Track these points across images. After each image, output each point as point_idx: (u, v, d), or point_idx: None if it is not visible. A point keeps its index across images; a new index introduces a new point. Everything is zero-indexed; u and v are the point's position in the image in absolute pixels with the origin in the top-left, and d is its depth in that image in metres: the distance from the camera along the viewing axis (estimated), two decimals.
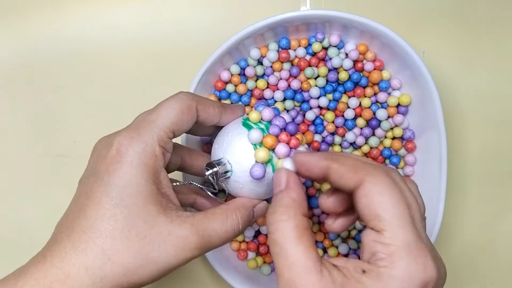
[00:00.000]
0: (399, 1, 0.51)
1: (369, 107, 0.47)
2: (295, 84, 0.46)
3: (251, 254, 0.48)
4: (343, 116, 0.47)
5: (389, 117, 0.46)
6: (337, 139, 0.47)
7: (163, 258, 0.29)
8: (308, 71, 0.46)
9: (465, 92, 0.51)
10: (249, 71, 0.46)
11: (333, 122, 0.47)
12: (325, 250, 0.48)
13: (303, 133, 0.47)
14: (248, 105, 0.47)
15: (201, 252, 0.31)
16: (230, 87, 0.47)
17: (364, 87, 0.47)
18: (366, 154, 0.48)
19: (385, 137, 0.47)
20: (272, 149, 0.33)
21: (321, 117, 0.48)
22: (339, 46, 0.46)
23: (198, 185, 0.36)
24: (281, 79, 0.47)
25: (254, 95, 0.47)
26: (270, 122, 0.34)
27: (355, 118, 0.47)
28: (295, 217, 0.27)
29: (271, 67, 0.47)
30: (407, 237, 0.25)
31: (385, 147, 0.47)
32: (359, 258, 0.27)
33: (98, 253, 0.28)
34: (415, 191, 0.30)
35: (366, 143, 0.47)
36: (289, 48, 0.47)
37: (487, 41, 0.51)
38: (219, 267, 0.44)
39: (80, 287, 0.27)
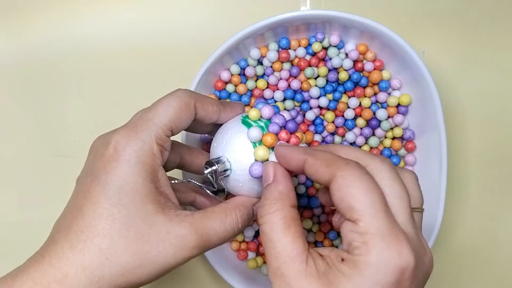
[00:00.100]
0: (399, 1, 0.51)
1: (369, 107, 0.47)
2: (295, 84, 0.46)
3: (251, 254, 0.48)
4: (343, 116, 0.47)
5: (389, 117, 0.46)
6: (337, 139, 0.47)
7: (161, 258, 0.29)
8: (308, 71, 0.46)
9: (465, 92, 0.51)
10: (249, 71, 0.46)
11: (333, 122, 0.47)
12: None
13: (303, 133, 0.47)
14: (248, 105, 0.47)
15: (200, 251, 0.31)
16: (230, 87, 0.47)
17: (364, 87, 0.47)
18: None
19: (385, 137, 0.47)
20: (272, 148, 0.32)
21: (321, 117, 0.48)
22: (339, 46, 0.46)
23: (197, 183, 0.36)
24: (281, 79, 0.47)
25: (254, 95, 0.47)
26: (269, 120, 0.34)
27: (355, 118, 0.47)
28: (282, 209, 0.28)
29: (271, 67, 0.47)
30: (380, 224, 0.25)
31: (385, 147, 0.47)
32: None
33: (95, 252, 0.28)
34: (410, 182, 0.31)
35: (366, 143, 0.47)
36: (289, 48, 0.46)
37: (487, 41, 0.51)
38: (219, 267, 0.44)
39: (78, 287, 0.27)
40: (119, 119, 0.35)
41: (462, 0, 0.51)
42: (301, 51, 0.46)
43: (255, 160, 0.32)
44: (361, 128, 0.47)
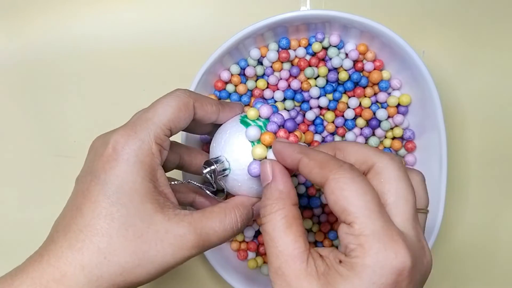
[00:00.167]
0: (399, 1, 0.51)
1: (369, 107, 0.46)
2: (295, 84, 0.46)
3: (251, 254, 0.48)
4: (343, 116, 0.47)
5: (389, 117, 0.46)
6: (337, 139, 0.47)
7: (160, 257, 0.29)
8: (308, 71, 0.46)
9: (465, 92, 0.51)
10: (249, 71, 0.46)
11: (333, 122, 0.47)
12: None
13: (303, 133, 0.47)
14: (248, 105, 0.47)
15: (199, 251, 0.30)
16: (230, 87, 0.47)
17: (364, 87, 0.47)
18: None
19: (385, 137, 0.47)
20: (270, 146, 0.32)
21: (321, 117, 0.48)
22: (339, 46, 0.46)
23: (197, 184, 0.36)
24: (281, 79, 0.47)
25: (254, 95, 0.47)
26: (268, 119, 0.34)
27: (355, 118, 0.47)
28: (284, 208, 0.28)
29: (271, 67, 0.47)
30: (374, 225, 0.25)
31: (385, 147, 0.47)
32: None
33: (94, 252, 0.28)
34: (417, 183, 0.30)
35: (366, 143, 0.47)
36: (289, 48, 0.46)
37: (487, 41, 0.51)
38: (219, 267, 0.44)
39: (76, 286, 0.27)
40: (119, 119, 0.35)
41: (462, 0, 0.51)
42: (301, 51, 0.46)
43: (254, 159, 0.32)
44: (361, 128, 0.47)
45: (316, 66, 0.47)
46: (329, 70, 0.46)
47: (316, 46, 0.46)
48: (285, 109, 0.47)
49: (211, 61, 0.43)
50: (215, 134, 0.35)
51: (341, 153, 0.30)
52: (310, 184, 0.46)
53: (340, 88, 0.47)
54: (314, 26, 0.45)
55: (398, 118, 0.46)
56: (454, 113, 0.50)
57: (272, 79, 0.46)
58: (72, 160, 0.51)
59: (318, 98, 0.47)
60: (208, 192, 0.36)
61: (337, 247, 0.46)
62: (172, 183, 0.34)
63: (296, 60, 0.47)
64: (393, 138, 0.47)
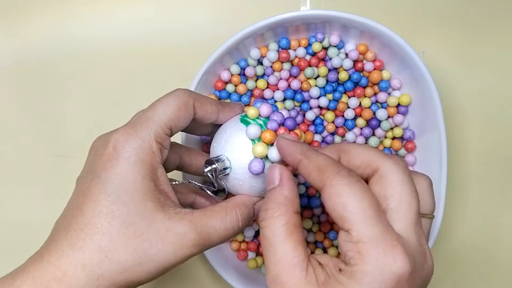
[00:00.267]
0: (399, 1, 0.51)
1: (369, 107, 0.46)
2: (295, 84, 0.46)
3: (251, 254, 0.48)
4: (343, 116, 0.47)
5: (389, 117, 0.46)
6: (337, 139, 0.47)
7: (161, 256, 0.29)
8: (308, 71, 0.46)
9: (465, 92, 0.51)
10: (249, 71, 0.46)
11: (333, 122, 0.47)
12: (325, 250, 0.47)
13: (304, 133, 0.47)
14: (248, 105, 0.47)
15: (200, 250, 0.30)
16: (230, 87, 0.47)
17: (364, 87, 0.47)
18: None
19: (385, 137, 0.47)
20: (271, 144, 0.32)
21: (321, 117, 0.48)
22: (339, 46, 0.46)
23: (198, 184, 0.36)
24: (281, 79, 0.47)
25: (254, 95, 0.47)
26: (268, 118, 0.34)
27: (355, 118, 0.47)
28: (286, 214, 0.28)
29: (271, 67, 0.47)
30: (372, 231, 0.25)
31: (385, 147, 0.47)
32: None
33: (95, 250, 0.28)
34: (423, 187, 0.30)
35: (366, 143, 0.47)
36: (289, 48, 0.46)
37: (487, 41, 0.51)
38: (219, 267, 0.44)
39: (77, 285, 0.27)
40: (119, 119, 0.35)
41: (462, 0, 0.51)
42: (301, 51, 0.46)
43: (254, 157, 0.32)
44: (361, 128, 0.47)
45: (316, 66, 0.47)
46: (329, 70, 0.46)
47: (316, 46, 0.46)
48: (285, 109, 0.47)
49: (211, 61, 0.43)
50: (216, 134, 0.35)
51: (346, 156, 0.30)
52: (310, 184, 0.46)
53: (340, 88, 0.47)
54: (314, 26, 0.45)
55: (398, 118, 0.46)
56: (454, 113, 0.50)
57: (272, 79, 0.46)
58: (72, 160, 0.51)
59: (318, 98, 0.47)
60: (208, 192, 0.36)
61: (337, 247, 0.46)
62: (173, 183, 0.34)
63: (296, 60, 0.47)
64: (393, 138, 0.47)
